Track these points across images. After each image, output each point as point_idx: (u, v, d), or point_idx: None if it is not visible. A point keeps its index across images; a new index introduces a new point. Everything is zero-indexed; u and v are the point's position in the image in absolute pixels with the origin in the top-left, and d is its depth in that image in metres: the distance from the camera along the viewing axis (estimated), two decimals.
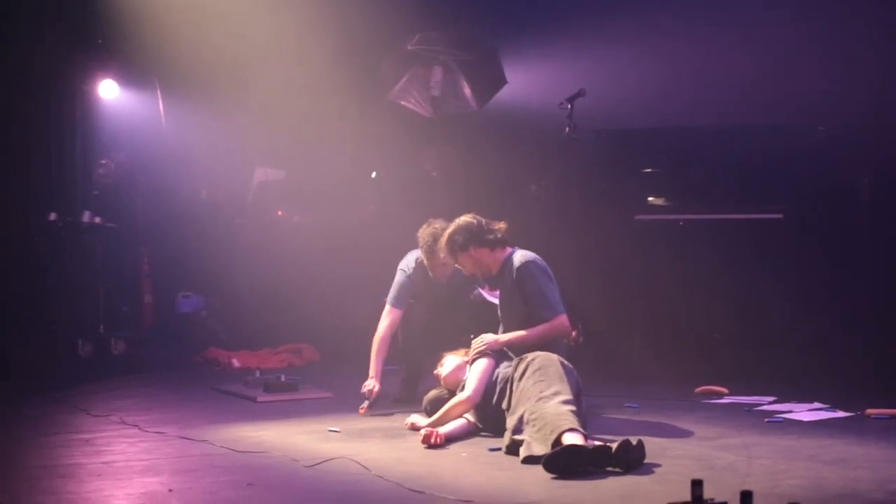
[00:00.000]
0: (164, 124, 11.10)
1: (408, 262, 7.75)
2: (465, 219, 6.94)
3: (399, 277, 7.72)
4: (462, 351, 6.89)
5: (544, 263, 6.87)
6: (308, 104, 10.85)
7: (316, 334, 10.53)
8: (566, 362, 6.36)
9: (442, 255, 7.14)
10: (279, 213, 11.69)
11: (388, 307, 7.69)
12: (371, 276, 9.19)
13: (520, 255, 6.86)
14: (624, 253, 9.47)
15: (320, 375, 9.07)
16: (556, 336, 6.73)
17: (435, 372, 7.06)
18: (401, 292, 7.69)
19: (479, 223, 6.90)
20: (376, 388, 7.41)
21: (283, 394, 8.07)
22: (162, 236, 11.08)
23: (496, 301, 7.29)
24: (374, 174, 11.51)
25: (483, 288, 7.62)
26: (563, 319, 6.73)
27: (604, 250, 9.52)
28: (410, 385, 7.88)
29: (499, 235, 6.89)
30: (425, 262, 7.59)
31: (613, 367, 8.96)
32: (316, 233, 11.26)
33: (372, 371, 7.50)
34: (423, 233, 7.52)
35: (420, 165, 11.05)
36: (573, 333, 7.03)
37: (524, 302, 6.76)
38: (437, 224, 7.45)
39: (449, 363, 6.94)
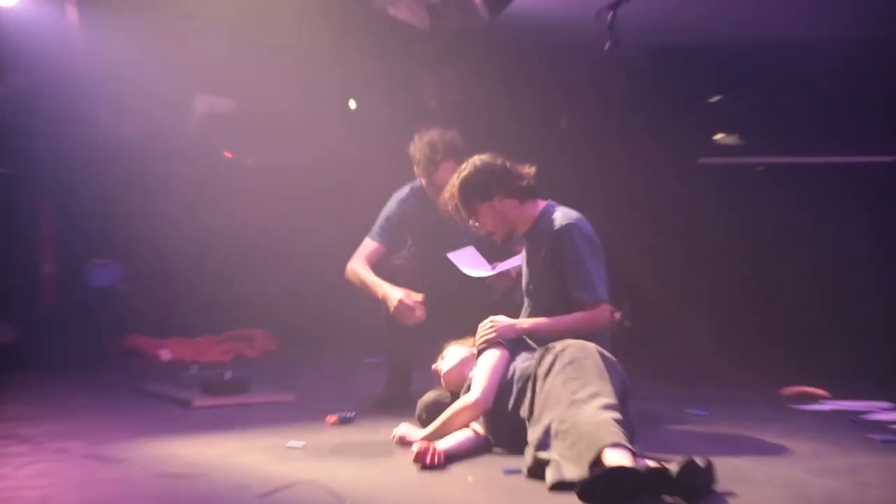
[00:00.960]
0: (78, 39, 11.02)
1: (402, 190, 7.86)
2: (484, 159, 6.78)
3: (389, 205, 7.84)
4: (470, 340, 6.76)
5: (592, 230, 6.72)
6: (268, 14, 10.79)
7: (272, 316, 10.70)
8: (607, 354, 6.21)
9: (451, 207, 6.94)
10: (227, 154, 11.82)
11: (366, 239, 7.77)
12: (345, 238, 9.06)
13: (562, 214, 6.70)
14: (683, 208, 9.57)
15: (278, 371, 9.26)
16: (593, 329, 6.57)
17: (433, 367, 6.94)
18: (388, 223, 7.82)
19: (504, 165, 6.75)
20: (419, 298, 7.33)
21: (229, 396, 8.05)
22: (70, 186, 11.01)
23: (479, 273, 7.25)
24: (352, 104, 11.63)
25: (493, 265, 7.43)
26: (604, 309, 6.61)
27: (656, 204, 9.66)
28: (398, 383, 7.81)
29: (531, 183, 6.75)
30: (423, 180, 7.71)
31: (670, 360, 9.11)
32: (275, 181, 11.43)
33: (382, 287, 7.44)
34: (418, 144, 7.68)
35: (413, 93, 11.15)
36: (616, 315, 6.88)
37: (559, 275, 6.61)
38: (434, 133, 7.60)
39: (452, 356, 6.82)
